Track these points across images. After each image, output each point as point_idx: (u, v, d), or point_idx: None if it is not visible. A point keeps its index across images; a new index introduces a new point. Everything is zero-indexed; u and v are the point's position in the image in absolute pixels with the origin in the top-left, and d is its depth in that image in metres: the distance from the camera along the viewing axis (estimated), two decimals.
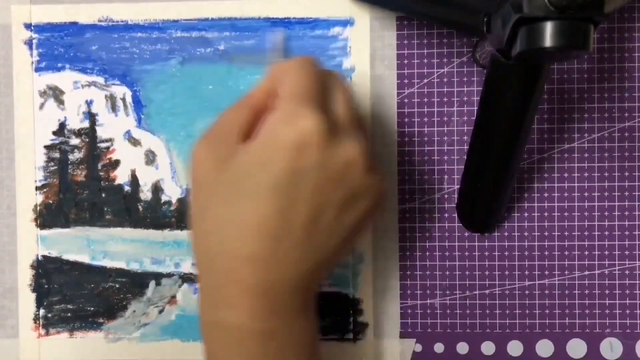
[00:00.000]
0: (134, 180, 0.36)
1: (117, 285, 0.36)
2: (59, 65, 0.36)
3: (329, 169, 0.26)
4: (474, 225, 0.35)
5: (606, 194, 0.35)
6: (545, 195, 0.35)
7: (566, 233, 0.35)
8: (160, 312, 0.36)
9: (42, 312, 0.36)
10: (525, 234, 0.35)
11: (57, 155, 0.36)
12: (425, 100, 0.35)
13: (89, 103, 0.36)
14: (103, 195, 0.36)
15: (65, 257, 0.36)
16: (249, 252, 0.26)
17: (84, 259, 0.36)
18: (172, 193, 0.36)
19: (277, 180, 0.26)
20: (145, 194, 0.36)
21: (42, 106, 0.36)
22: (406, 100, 0.35)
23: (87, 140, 0.36)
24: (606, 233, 0.35)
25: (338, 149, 0.27)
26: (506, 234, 0.35)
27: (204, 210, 0.28)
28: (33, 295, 0.36)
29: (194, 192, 0.29)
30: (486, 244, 0.35)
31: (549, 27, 0.24)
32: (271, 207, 0.26)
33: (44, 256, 0.36)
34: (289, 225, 0.26)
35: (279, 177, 0.26)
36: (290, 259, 0.27)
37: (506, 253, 0.35)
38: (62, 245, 0.36)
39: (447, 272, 0.36)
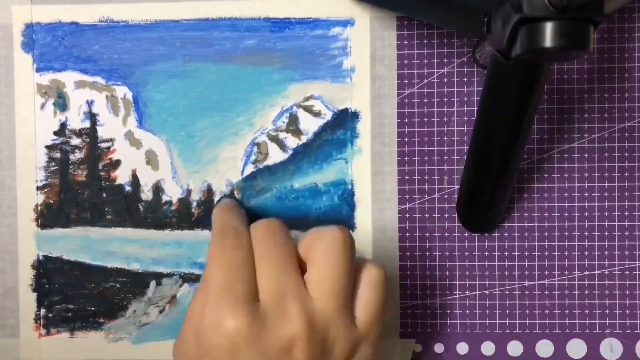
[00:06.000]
0: (135, 180, 0.36)
1: (118, 285, 0.36)
2: (60, 65, 0.36)
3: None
4: (474, 225, 0.35)
5: (606, 194, 0.35)
6: (545, 195, 0.35)
7: (566, 233, 0.35)
8: (161, 312, 0.36)
9: (42, 312, 0.36)
10: (525, 234, 0.35)
11: (58, 155, 0.36)
12: (425, 100, 0.35)
13: (89, 103, 0.36)
14: (104, 195, 0.36)
15: (66, 257, 0.36)
16: None
17: (85, 258, 0.36)
18: (172, 193, 0.36)
19: None
20: (146, 194, 0.36)
21: (42, 106, 0.36)
22: (406, 100, 0.35)
23: (88, 140, 0.36)
24: (606, 233, 0.35)
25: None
26: (506, 234, 0.35)
27: None
28: (34, 295, 0.37)
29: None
30: (486, 244, 0.36)
31: (549, 28, 0.24)
32: None
33: (44, 256, 0.36)
34: None
35: None
36: None
37: (506, 253, 0.35)
38: (63, 245, 0.36)
39: (447, 272, 0.36)
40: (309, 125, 0.36)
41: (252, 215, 0.35)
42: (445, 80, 0.35)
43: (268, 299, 0.27)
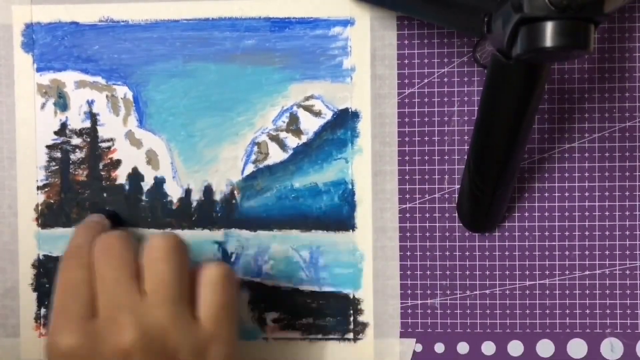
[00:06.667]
0: (135, 180, 0.36)
1: None
2: (60, 65, 0.36)
3: None
4: (474, 225, 0.35)
5: (606, 194, 0.35)
6: (545, 195, 0.35)
7: (566, 233, 0.35)
8: None
9: (43, 311, 0.37)
10: (526, 234, 0.35)
11: (58, 155, 0.36)
12: (425, 100, 0.35)
13: (90, 103, 0.36)
14: (104, 194, 0.36)
15: None
16: None
17: None
18: (173, 193, 0.36)
19: None
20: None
21: (43, 106, 0.36)
22: (406, 100, 0.35)
23: (89, 140, 0.36)
24: (606, 233, 0.35)
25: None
26: (506, 234, 0.35)
27: None
28: (34, 295, 0.37)
29: None
30: (486, 244, 0.36)
31: (549, 27, 0.24)
32: None
33: (45, 255, 0.36)
34: None
35: None
36: None
37: (506, 253, 0.35)
38: (64, 245, 0.36)
39: (447, 272, 0.36)
40: (309, 125, 0.36)
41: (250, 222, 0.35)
42: (445, 80, 0.35)
43: (103, 313, 0.28)
